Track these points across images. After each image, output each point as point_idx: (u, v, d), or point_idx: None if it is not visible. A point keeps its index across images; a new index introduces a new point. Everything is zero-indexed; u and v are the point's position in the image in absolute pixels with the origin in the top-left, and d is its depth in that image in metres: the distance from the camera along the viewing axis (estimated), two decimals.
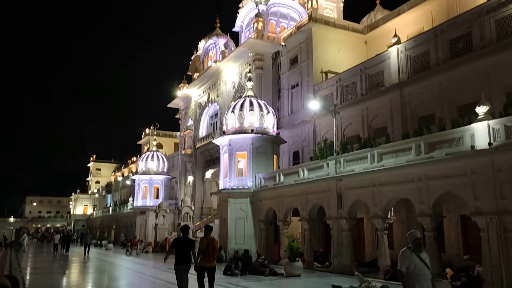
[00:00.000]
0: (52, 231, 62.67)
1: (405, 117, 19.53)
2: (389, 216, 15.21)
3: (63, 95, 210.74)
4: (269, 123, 23.17)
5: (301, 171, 19.19)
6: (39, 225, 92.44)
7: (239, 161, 22.83)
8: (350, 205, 16.28)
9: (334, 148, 18.95)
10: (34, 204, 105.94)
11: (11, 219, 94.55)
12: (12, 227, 64.11)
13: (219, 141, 24.27)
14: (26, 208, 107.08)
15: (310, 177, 18.45)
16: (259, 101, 23.70)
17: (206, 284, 9.96)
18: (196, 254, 9.92)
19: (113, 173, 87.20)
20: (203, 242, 10.17)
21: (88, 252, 27.03)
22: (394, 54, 20.55)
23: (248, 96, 23.81)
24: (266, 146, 22.91)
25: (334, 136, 19.43)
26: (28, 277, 16.18)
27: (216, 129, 35.00)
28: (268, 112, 23.30)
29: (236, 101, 24.22)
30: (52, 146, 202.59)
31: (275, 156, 23.59)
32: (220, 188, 23.81)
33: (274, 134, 23.51)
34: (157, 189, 40.24)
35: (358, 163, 16.04)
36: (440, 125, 15.06)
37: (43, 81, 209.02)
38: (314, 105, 22.03)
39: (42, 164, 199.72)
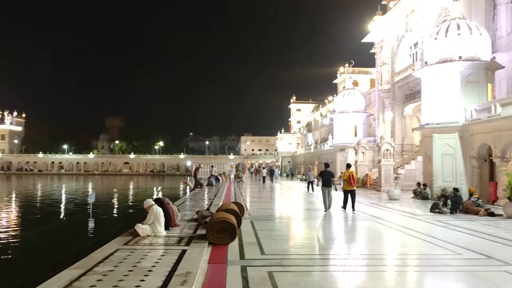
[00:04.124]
0: (263, 166, 70.87)
1: None
2: None
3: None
4: (481, 47, 20.06)
5: None
6: (252, 161, 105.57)
7: (445, 93, 20.76)
8: None
9: None
10: (248, 143, 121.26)
11: (231, 156, 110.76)
12: (232, 163, 74.96)
13: (421, 72, 22.43)
14: (242, 146, 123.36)
15: None
16: (467, 22, 20.64)
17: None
18: (342, 183, 15.60)
19: (312, 113, 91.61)
20: (345, 174, 15.31)
21: (310, 189, 26.44)
22: None
23: (454, 18, 20.96)
24: (478, 74, 20.08)
25: None
26: (248, 204, 18.83)
27: (416, 60, 32.31)
28: (480, 34, 20.12)
29: (440, 26, 21.65)
30: (260, 91, 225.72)
31: (489, 84, 20.55)
32: (422, 123, 22.34)
33: (488, 59, 20.32)
34: (355, 127, 40.50)
35: None
36: None
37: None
38: None
39: (253, 107, 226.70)
